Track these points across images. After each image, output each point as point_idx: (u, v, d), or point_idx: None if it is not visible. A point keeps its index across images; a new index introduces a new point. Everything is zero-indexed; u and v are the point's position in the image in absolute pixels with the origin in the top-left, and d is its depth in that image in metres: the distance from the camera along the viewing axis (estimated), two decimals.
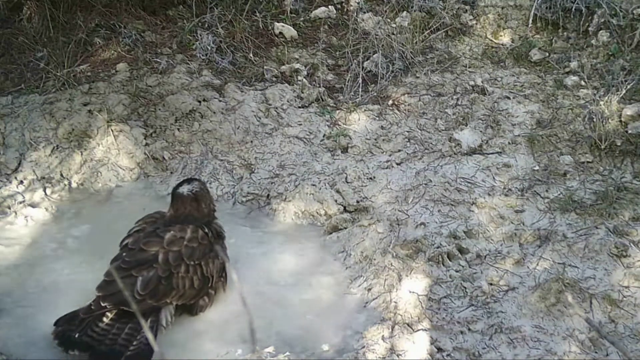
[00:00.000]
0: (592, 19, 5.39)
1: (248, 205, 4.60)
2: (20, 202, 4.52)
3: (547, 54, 5.42)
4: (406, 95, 5.15)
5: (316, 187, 4.50)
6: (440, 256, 3.88)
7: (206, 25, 5.68)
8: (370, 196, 4.43)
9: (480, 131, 4.80)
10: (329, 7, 5.99)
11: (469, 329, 3.51)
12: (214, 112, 5.01)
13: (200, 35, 5.55)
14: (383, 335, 3.50)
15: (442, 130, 4.87)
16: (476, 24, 5.77)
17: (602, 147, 4.47)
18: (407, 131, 4.88)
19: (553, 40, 5.52)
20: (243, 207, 4.58)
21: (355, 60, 5.44)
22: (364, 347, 3.47)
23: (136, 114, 5.01)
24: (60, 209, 4.52)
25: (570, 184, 4.34)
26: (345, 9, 6.03)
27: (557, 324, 3.50)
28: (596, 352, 3.35)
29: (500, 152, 4.64)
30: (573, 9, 5.45)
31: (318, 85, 5.27)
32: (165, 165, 4.82)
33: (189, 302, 3.65)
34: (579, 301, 3.57)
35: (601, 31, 5.31)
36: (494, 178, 4.45)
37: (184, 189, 3.84)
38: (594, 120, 4.56)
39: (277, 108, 5.07)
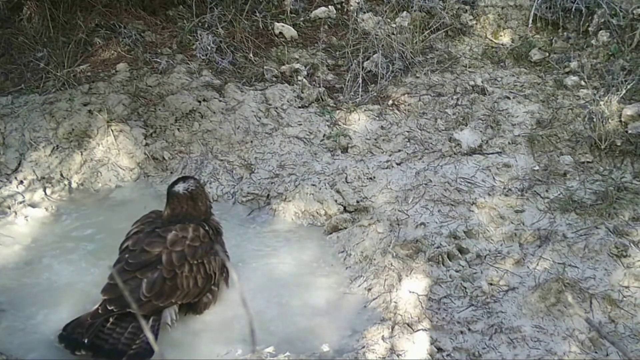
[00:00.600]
0: (592, 19, 5.39)
1: (248, 205, 4.60)
2: (20, 202, 4.52)
3: (547, 54, 5.42)
4: (406, 95, 5.15)
5: (316, 187, 4.50)
6: (440, 256, 3.88)
7: (206, 25, 5.68)
8: (370, 196, 4.43)
9: (480, 131, 4.80)
10: (329, 7, 5.99)
11: (469, 329, 3.51)
12: (214, 112, 5.01)
13: (200, 35, 5.55)
14: (383, 335, 3.50)
15: (442, 130, 4.87)
16: (476, 24, 5.77)
17: (602, 147, 4.47)
18: (407, 131, 4.88)
19: (553, 40, 5.52)
20: (243, 207, 4.59)
21: (355, 60, 5.44)
22: (364, 347, 3.47)
23: (136, 114, 5.02)
24: (60, 209, 4.52)
25: (570, 184, 4.34)
26: (345, 9, 6.03)
27: (557, 324, 3.50)
28: (596, 352, 3.35)
29: (500, 152, 4.64)
30: (573, 9, 5.45)
31: (318, 85, 5.27)
32: (165, 165, 4.82)
33: (192, 300, 3.66)
34: (579, 301, 3.57)
35: (601, 31, 5.31)
36: (494, 178, 4.45)
37: (180, 188, 3.84)
38: (594, 120, 4.56)
39: (277, 108, 5.07)
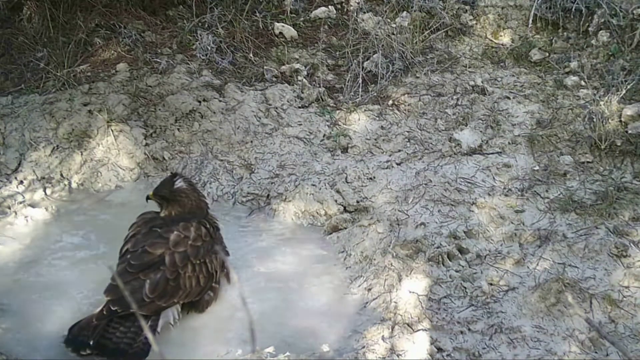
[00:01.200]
0: (592, 19, 5.39)
1: (248, 205, 4.60)
2: (20, 202, 4.52)
3: (547, 54, 5.42)
4: (406, 95, 5.15)
5: (316, 187, 4.50)
6: (440, 256, 3.88)
7: (206, 25, 5.68)
8: (370, 196, 4.43)
9: (480, 131, 4.80)
10: (329, 7, 5.99)
11: (469, 329, 3.51)
12: (214, 112, 5.01)
13: (200, 35, 5.55)
14: (383, 335, 3.50)
15: (442, 130, 4.87)
16: (476, 24, 5.77)
17: (602, 147, 4.47)
18: (407, 131, 4.88)
19: (553, 40, 5.52)
20: (243, 207, 4.59)
21: (355, 60, 5.44)
22: (364, 347, 3.47)
23: (136, 114, 5.01)
24: (60, 209, 4.52)
25: (570, 184, 4.34)
26: (345, 9, 6.03)
27: (557, 324, 3.50)
28: (596, 352, 3.35)
29: (500, 152, 4.64)
30: (573, 9, 5.45)
31: (318, 85, 5.27)
32: (166, 165, 4.82)
33: (194, 298, 3.67)
34: (579, 301, 3.57)
35: (601, 31, 5.31)
36: (494, 178, 4.45)
37: (181, 183, 3.87)
38: (594, 120, 4.56)
39: (277, 108, 5.07)
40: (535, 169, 4.49)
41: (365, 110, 5.05)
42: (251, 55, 5.54)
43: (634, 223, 3.94)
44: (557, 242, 3.91)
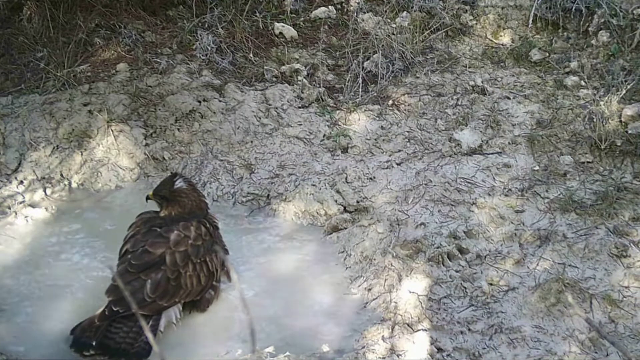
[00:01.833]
0: (592, 19, 5.39)
1: (248, 205, 4.60)
2: (21, 202, 4.52)
3: (547, 54, 5.42)
4: (406, 95, 5.15)
5: (316, 187, 4.50)
6: (440, 256, 3.88)
7: (206, 26, 5.68)
8: (370, 196, 4.43)
9: (480, 131, 4.80)
10: (329, 7, 5.99)
11: (469, 329, 3.51)
12: (214, 112, 5.01)
13: (200, 36, 5.55)
14: (383, 336, 3.50)
15: (442, 130, 4.87)
16: (476, 24, 5.76)
17: (602, 147, 4.47)
18: (407, 131, 4.88)
19: (553, 41, 5.52)
20: (243, 208, 4.59)
21: (355, 60, 5.44)
22: (364, 347, 3.47)
23: (136, 114, 5.01)
24: (60, 209, 4.52)
25: (570, 184, 4.34)
26: (345, 9, 6.03)
27: (557, 324, 3.50)
28: (596, 352, 3.35)
29: (500, 152, 4.64)
30: (573, 9, 5.45)
31: (318, 86, 5.27)
32: (166, 165, 4.82)
33: (195, 297, 3.67)
34: (579, 301, 3.57)
35: (601, 31, 5.31)
36: (494, 178, 4.45)
37: (181, 183, 3.87)
38: (594, 120, 4.56)
39: (277, 108, 5.07)
40: (535, 169, 4.49)
41: (365, 110, 5.05)
42: (251, 55, 5.54)
43: (634, 223, 3.95)
44: (557, 242, 3.91)
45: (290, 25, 5.79)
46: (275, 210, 4.51)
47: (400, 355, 3.39)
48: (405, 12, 5.76)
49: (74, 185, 4.73)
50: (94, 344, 3.36)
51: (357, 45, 5.55)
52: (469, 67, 5.42)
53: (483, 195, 4.31)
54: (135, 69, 5.36)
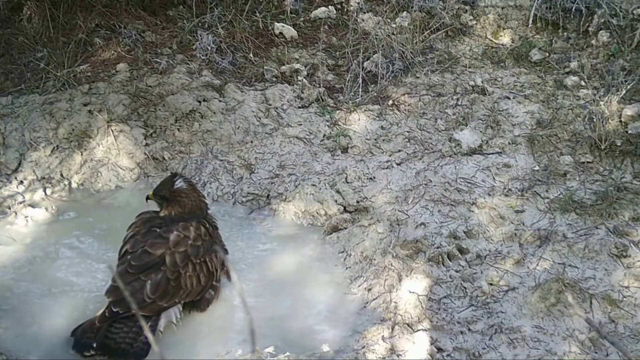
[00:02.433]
0: (592, 19, 5.39)
1: (248, 205, 4.60)
2: (21, 202, 4.52)
3: (547, 54, 5.42)
4: (406, 95, 5.15)
5: (316, 187, 4.50)
6: (440, 256, 3.88)
7: (206, 26, 5.68)
8: (370, 196, 4.43)
9: (480, 131, 4.80)
10: (329, 7, 5.99)
11: (469, 329, 3.51)
12: (214, 112, 5.01)
13: (200, 36, 5.55)
14: (383, 336, 3.51)
15: (442, 130, 4.87)
16: (476, 24, 5.76)
17: (602, 147, 4.47)
18: (407, 131, 4.88)
19: (553, 41, 5.52)
20: (243, 208, 4.59)
21: (355, 61, 5.44)
22: (364, 347, 3.47)
23: (136, 114, 5.01)
24: (60, 209, 4.52)
25: (570, 184, 4.34)
26: (345, 9, 6.03)
27: (557, 324, 3.50)
28: (596, 352, 3.35)
29: (500, 152, 4.64)
30: (573, 9, 5.45)
31: (318, 86, 5.27)
32: (166, 165, 4.82)
33: (195, 298, 3.67)
34: (579, 301, 3.57)
35: (601, 31, 5.31)
36: (494, 178, 4.45)
37: (181, 183, 3.87)
38: (594, 120, 4.56)
39: (277, 108, 5.08)
40: (535, 169, 4.49)
41: (365, 110, 5.05)
42: (251, 55, 5.54)
43: (634, 223, 3.95)
44: (557, 242, 3.91)
45: (290, 25, 5.79)
46: (275, 211, 4.51)
47: (400, 355, 3.40)
48: (405, 12, 5.76)
49: (74, 185, 4.73)
50: (95, 345, 3.37)
51: (357, 45, 5.55)
52: (469, 67, 5.42)
53: (483, 195, 4.31)
54: (135, 69, 5.36)
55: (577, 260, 3.80)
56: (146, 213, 3.90)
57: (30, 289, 3.88)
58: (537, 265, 3.81)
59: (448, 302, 3.67)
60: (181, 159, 4.84)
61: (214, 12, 5.72)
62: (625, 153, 4.45)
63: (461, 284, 3.75)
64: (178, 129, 4.95)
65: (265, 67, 5.44)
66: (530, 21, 5.57)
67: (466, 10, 5.80)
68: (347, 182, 4.52)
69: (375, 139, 4.85)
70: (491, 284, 3.75)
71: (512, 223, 4.11)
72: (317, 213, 4.43)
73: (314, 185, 4.52)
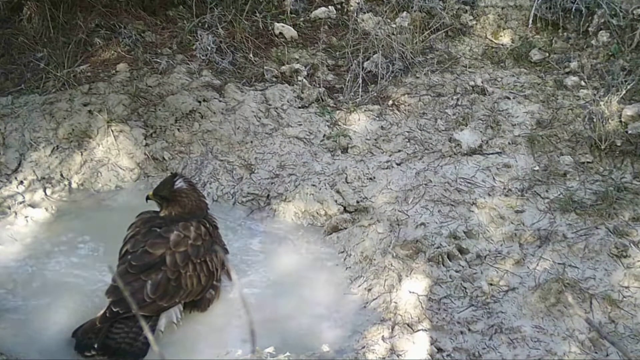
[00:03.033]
0: (592, 19, 5.39)
1: (248, 205, 4.60)
2: (21, 203, 4.52)
3: (547, 54, 5.42)
4: (406, 95, 5.15)
5: (316, 188, 4.50)
6: (440, 256, 3.88)
7: (206, 26, 5.68)
8: (370, 196, 4.43)
9: (480, 131, 4.80)
10: (329, 7, 5.98)
11: (469, 329, 3.51)
12: (214, 113, 5.01)
13: (200, 36, 5.55)
14: (383, 336, 3.51)
15: (442, 130, 4.87)
16: (476, 24, 5.76)
17: (602, 147, 4.47)
18: (407, 131, 4.88)
19: (553, 41, 5.52)
20: (243, 208, 4.59)
21: (355, 61, 5.44)
22: (364, 347, 3.47)
23: (136, 114, 5.01)
24: (60, 209, 4.52)
25: (570, 184, 4.34)
26: (345, 9, 6.03)
27: (557, 324, 3.50)
28: (596, 353, 3.35)
29: (500, 153, 4.64)
30: (573, 9, 5.45)
31: (318, 86, 5.27)
32: (166, 165, 4.82)
33: (196, 297, 3.67)
34: (579, 301, 3.57)
35: (601, 31, 5.31)
36: (494, 178, 4.45)
37: (181, 183, 3.87)
38: (594, 120, 4.56)
39: (277, 108, 5.07)
40: (535, 169, 4.49)
41: (365, 110, 5.05)
42: (251, 55, 5.54)
43: (634, 223, 3.95)
44: (557, 242, 3.91)
45: (290, 25, 5.79)
46: (275, 211, 4.51)
47: (400, 355, 3.40)
48: (405, 12, 5.76)
49: (74, 185, 4.73)
50: (96, 345, 3.38)
51: (357, 45, 5.55)
52: (469, 67, 5.42)
53: (483, 196, 4.31)
54: (135, 69, 5.36)
55: (577, 260, 3.80)
56: (146, 213, 3.90)
57: (30, 289, 3.88)
58: (537, 265, 3.81)
59: (448, 302, 3.67)
60: (181, 159, 4.84)
61: (214, 12, 5.72)
62: (625, 153, 4.45)
63: (461, 284, 3.75)
64: (178, 129, 4.95)
65: (265, 67, 5.44)
66: (530, 21, 5.57)
67: (466, 11, 5.81)
68: (347, 182, 4.52)
69: (375, 139, 4.85)
70: (491, 284, 3.75)
71: (512, 223, 4.11)
72: (317, 213, 4.43)
73: (314, 185, 4.52)
